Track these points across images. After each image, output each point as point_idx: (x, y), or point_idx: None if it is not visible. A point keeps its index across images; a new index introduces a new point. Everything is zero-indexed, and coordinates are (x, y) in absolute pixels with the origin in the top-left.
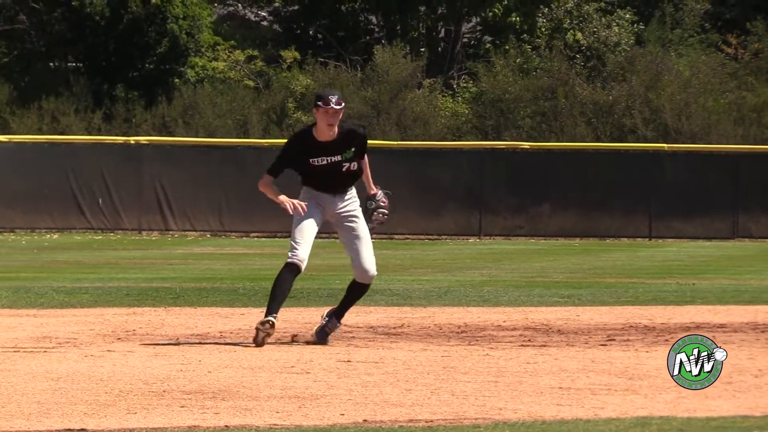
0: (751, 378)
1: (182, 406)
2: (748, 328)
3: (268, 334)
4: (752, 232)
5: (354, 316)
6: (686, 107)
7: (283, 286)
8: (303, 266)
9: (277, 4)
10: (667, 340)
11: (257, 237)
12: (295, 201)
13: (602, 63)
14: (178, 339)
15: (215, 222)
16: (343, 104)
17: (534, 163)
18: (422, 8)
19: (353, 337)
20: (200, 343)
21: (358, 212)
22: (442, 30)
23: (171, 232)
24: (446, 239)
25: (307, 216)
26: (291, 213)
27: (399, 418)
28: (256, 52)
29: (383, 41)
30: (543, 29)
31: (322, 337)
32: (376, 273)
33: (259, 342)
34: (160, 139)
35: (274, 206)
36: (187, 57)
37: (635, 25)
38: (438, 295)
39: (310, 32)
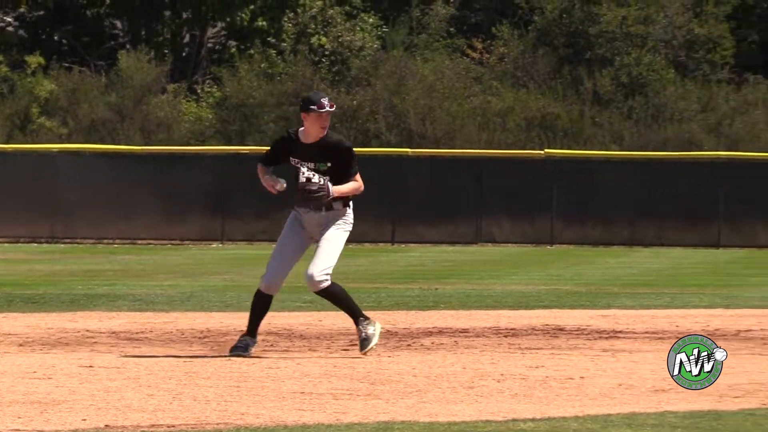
0: (494, 383)
1: None
2: (490, 332)
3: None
4: (495, 236)
5: (96, 321)
6: (430, 112)
7: (256, 311)
8: (272, 291)
9: (22, 10)
10: (409, 345)
11: None
12: (271, 182)
13: (347, 67)
14: None
15: None
16: (334, 106)
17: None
18: (167, 13)
19: (96, 342)
20: None
21: (335, 229)
22: (187, 35)
23: None
24: (189, 244)
25: (284, 241)
26: (272, 192)
27: (141, 423)
28: (0, 58)
29: (128, 46)
30: (289, 33)
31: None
32: (318, 281)
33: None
34: None
35: (17, 210)
36: None
37: (379, 29)
38: (181, 300)
39: (56, 37)
